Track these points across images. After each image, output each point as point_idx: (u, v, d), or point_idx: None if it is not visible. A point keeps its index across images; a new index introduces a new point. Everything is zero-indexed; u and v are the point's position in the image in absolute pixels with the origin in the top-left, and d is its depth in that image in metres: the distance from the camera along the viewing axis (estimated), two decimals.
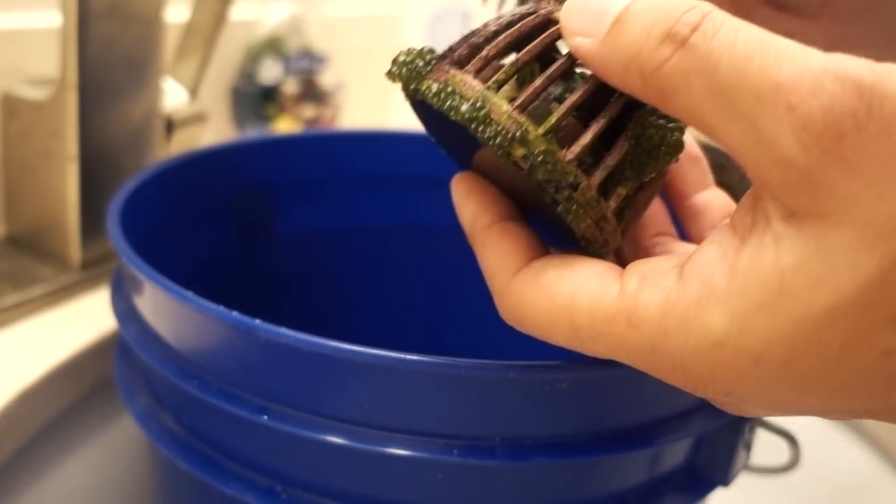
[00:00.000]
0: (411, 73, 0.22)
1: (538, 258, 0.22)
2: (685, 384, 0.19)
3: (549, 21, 0.22)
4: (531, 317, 0.21)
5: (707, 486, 0.30)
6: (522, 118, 0.20)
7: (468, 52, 0.22)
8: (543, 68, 0.22)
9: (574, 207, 0.20)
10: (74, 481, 0.44)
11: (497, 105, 0.20)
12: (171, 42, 0.49)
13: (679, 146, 0.22)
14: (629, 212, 0.22)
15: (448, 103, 0.21)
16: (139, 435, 0.31)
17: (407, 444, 0.24)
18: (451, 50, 0.22)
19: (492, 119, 0.20)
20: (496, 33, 0.22)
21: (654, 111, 0.21)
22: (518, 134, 0.20)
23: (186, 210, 0.41)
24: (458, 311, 0.50)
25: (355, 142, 0.46)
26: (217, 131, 0.69)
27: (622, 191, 0.21)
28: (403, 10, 0.85)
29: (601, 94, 0.21)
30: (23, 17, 0.51)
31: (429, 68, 0.22)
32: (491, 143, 0.20)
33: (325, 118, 0.74)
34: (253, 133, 0.70)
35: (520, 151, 0.20)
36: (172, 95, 0.51)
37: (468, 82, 0.21)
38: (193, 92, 0.53)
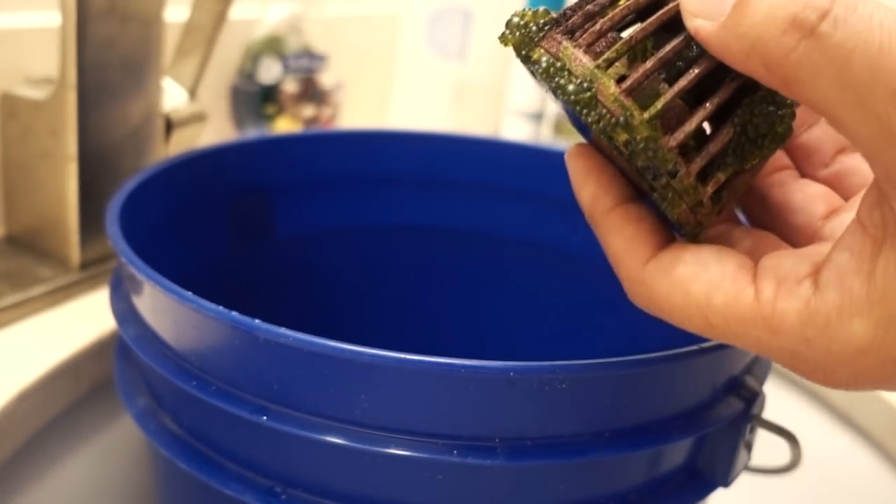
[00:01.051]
0: (524, 37, 0.22)
1: (666, 247, 0.22)
2: (825, 383, 0.20)
3: None
4: (665, 307, 0.21)
5: (707, 487, 0.29)
6: (628, 101, 0.20)
7: (581, 20, 0.21)
8: (658, 44, 0.22)
9: (670, 195, 0.21)
10: (74, 481, 0.44)
11: (605, 85, 0.20)
12: (170, 42, 0.49)
13: (786, 136, 0.22)
14: (727, 194, 0.22)
15: (556, 81, 0.21)
16: (139, 435, 0.31)
17: (407, 445, 0.24)
18: (565, 16, 0.22)
19: (597, 101, 0.20)
20: (612, 3, 0.21)
21: (765, 98, 0.21)
22: (622, 119, 0.20)
23: (186, 210, 0.41)
24: (459, 311, 0.50)
25: (355, 142, 0.46)
26: (216, 131, 0.69)
27: (721, 176, 0.21)
28: (403, 9, 0.85)
29: (715, 75, 0.21)
30: (22, 17, 0.50)
31: (542, 34, 0.21)
32: (594, 126, 0.20)
33: (325, 118, 0.74)
34: (252, 133, 0.70)
35: (622, 136, 0.20)
36: (171, 95, 0.51)
37: (578, 58, 0.20)
38: (192, 92, 0.52)
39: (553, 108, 0.80)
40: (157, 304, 0.28)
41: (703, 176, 0.21)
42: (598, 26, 0.21)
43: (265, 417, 0.25)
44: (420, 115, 0.85)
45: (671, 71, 0.21)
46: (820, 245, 0.22)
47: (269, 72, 0.69)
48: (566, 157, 0.24)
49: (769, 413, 0.30)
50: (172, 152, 0.50)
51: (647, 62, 0.20)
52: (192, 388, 0.26)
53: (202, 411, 0.28)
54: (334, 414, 0.25)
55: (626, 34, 0.22)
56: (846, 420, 0.50)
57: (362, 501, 0.26)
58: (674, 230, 0.23)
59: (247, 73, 0.69)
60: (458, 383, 0.24)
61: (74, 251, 0.46)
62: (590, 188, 0.23)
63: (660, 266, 0.21)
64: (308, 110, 0.72)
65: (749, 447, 0.30)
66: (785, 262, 0.20)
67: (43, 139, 0.45)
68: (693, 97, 0.21)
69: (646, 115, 0.20)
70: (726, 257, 0.21)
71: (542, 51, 0.21)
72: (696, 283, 0.21)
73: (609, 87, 0.20)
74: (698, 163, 0.21)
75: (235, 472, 0.27)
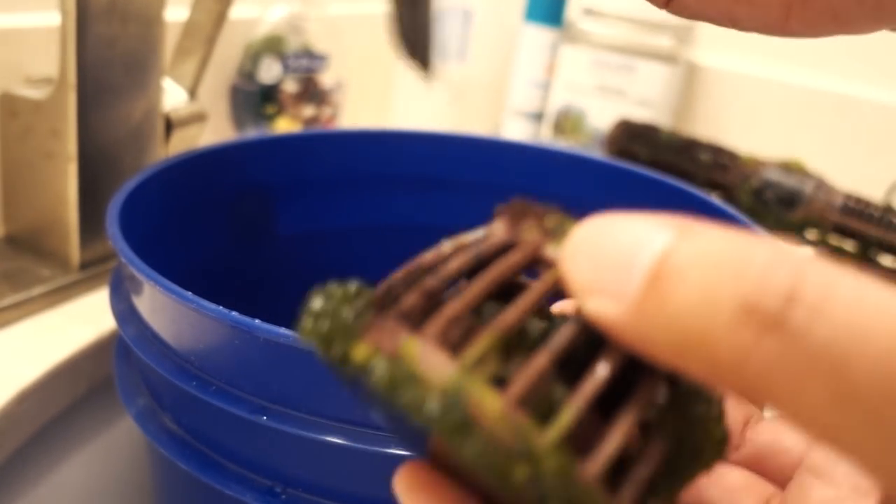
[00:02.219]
0: (336, 328, 0.15)
1: None
2: None
3: (538, 260, 0.16)
4: None
5: None
6: (521, 417, 0.13)
7: (422, 301, 0.15)
8: (531, 325, 0.16)
9: None
10: (74, 481, 0.43)
11: (481, 398, 0.13)
12: (170, 41, 0.49)
13: (724, 442, 0.16)
14: None
15: (404, 396, 0.14)
16: (138, 435, 0.31)
17: None
18: (391, 293, 0.15)
19: (475, 424, 0.13)
20: (460, 273, 0.16)
21: (694, 392, 0.15)
22: (518, 447, 0.13)
23: (186, 210, 0.41)
24: None
25: (355, 142, 0.46)
26: (216, 131, 0.69)
27: None
28: None
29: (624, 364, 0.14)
30: (22, 17, 0.50)
31: (362, 322, 0.15)
32: (477, 462, 0.13)
33: (325, 118, 0.74)
34: (252, 132, 0.70)
35: (521, 472, 0.13)
36: (171, 95, 0.51)
37: (431, 359, 0.14)
38: (192, 91, 0.52)
39: (553, 107, 0.80)
40: (157, 304, 0.28)
41: None
42: (451, 311, 0.15)
43: (265, 417, 0.25)
44: (420, 115, 0.85)
45: (564, 365, 0.15)
46: None
47: (269, 72, 0.69)
48: (398, 489, 0.16)
49: None
50: (172, 152, 0.50)
51: (536, 358, 0.14)
52: (191, 388, 0.26)
53: (202, 411, 0.28)
54: (334, 414, 0.25)
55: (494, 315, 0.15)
56: None
57: (362, 501, 0.26)
58: None
59: (247, 73, 0.69)
60: None
61: (74, 251, 0.46)
62: None
63: None
64: (308, 110, 0.72)
65: None
66: None
67: (43, 139, 0.45)
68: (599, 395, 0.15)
69: (550, 436, 0.13)
70: None
71: (368, 348, 0.14)
72: None
73: (488, 401, 0.13)
74: (628, 495, 0.14)
75: (235, 472, 0.27)
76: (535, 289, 0.15)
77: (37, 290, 0.44)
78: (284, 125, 0.71)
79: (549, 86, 0.80)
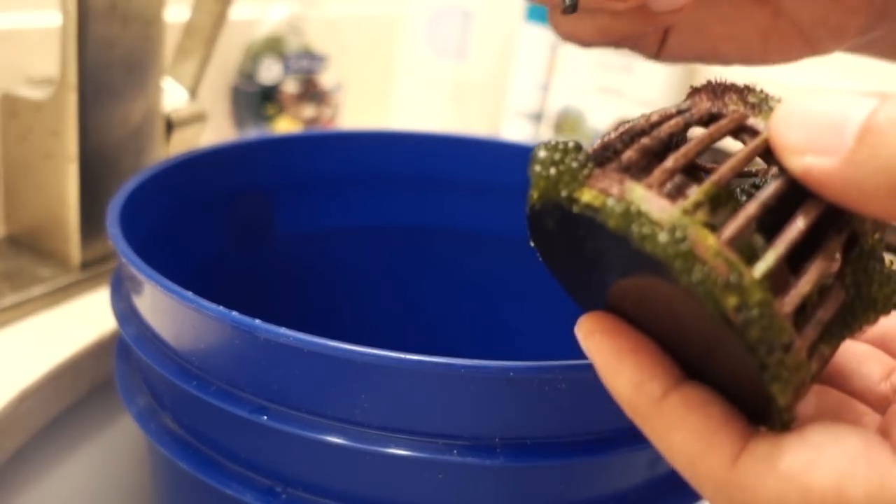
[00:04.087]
0: (563, 174, 0.17)
1: (752, 437, 0.17)
2: None
3: (743, 128, 0.18)
4: None
5: None
6: (733, 256, 0.15)
7: (639, 157, 0.18)
8: (734, 183, 0.18)
9: (784, 374, 0.16)
10: (74, 481, 0.44)
11: (701, 236, 0.15)
12: (170, 42, 0.49)
13: (894, 295, 0.18)
14: (820, 371, 0.18)
15: (634, 228, 0.16)
16: (138, 435, 0.31)
17: (407, 445, 0.24)
18: (611, 150, 0.18)
19: (696, 256, 0.15)
20: (673, 136, 0.18)
21: (871, 253, 0.18)
22: (731, 278, 0.15)
23: (186, 210, 0.41)
24: (459, 310, 0.50)
25: (355, 142, 0.46)
26: (216, 131, 0.69)
27: (826, 351, 0.18)
28: (403, 9, 0.85)
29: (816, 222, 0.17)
30: (22, 17, 0.50)
31: (586, 172, 0.17)
32: (697, 288, 0.15)
33: (325, 118, 0.74)
34: (252, 133, 0.70)
35: (732, 301, 0.15)
36: (172, 95, 0.51)
37: (655, 201, 0.16)
38: (193, 92, 0.52)
39: (553, 107, 0.80)
40: (158, 303, 0.28)
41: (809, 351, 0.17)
42: (670, 163, 0.17)
43: (265, 417, 0.25)
44: (420, 115, 0.85)
45: (765, 218, 0.17)
46: None
47: (270, 72, 0.69)
48: (579, 334, 0.19)
49: None
50: (173, 152, 0.50)
51: (748, 207, 0.16)
52: (192, 388, 0.26)
53: (202, 411, 0.28)
54: (334, 414, 0.25)
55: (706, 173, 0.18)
56: None
57: (362, 501, 0.26)
58: (759, 418, 0.18)
59: (247, 74, 0.69)
60: (458, 383, 0.24)
61: (75, 251, 0.46)
62: (627, 374, 0.18)
63: (757, 459, 0.16)
64: (308, 111, 0.72)
65: None
66: None
67: (43, 139, 0.45)
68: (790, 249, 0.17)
69: (757, 274, 0.16)
70: (842, 432, 0.16)
71: (594, 192, 0.17)
72: (818, 472, 0.15)
73: (706, 238, 0.15)
74: (810, 334, 0.17)
75: (236, 472, 0.27)
76: (743, 151, 0.17)
77: (37, 290, 0.44)
78: (284, 125, 0.71)
79: (548, 86, 0.80)
